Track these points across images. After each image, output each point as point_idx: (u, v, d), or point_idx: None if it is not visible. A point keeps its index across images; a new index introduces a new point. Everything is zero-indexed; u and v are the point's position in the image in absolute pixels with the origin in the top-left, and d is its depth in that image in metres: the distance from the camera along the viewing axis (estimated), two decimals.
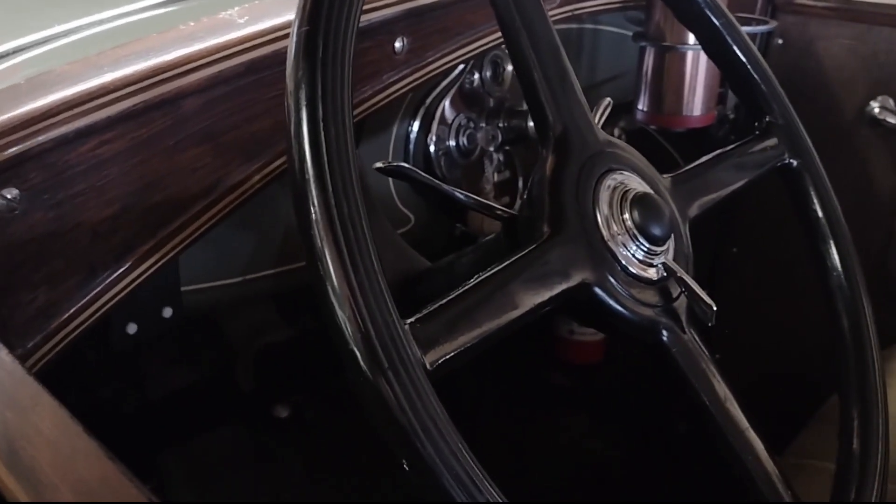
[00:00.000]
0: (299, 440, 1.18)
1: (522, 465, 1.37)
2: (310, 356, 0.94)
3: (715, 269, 1.38)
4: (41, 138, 0.51)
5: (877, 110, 1.17)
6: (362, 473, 1.16)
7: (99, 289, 0.56)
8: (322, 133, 0.42)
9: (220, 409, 1.00)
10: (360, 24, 0.66)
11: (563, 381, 1.51)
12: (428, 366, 0.42)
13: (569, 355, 1.47)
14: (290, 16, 0.59)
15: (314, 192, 0.41)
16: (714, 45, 0.71)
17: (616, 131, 1.16)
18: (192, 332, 0.82)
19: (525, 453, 1.39)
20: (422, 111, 0.89)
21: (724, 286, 1.38)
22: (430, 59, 0.74)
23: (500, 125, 0.96)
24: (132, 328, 0.65)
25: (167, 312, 0.68)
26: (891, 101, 1.16)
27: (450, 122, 0.91)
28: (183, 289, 0.71)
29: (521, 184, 1.02)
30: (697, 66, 1.00)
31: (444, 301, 0.45)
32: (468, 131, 0.93)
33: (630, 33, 1.08)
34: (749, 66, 0.70)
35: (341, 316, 0.40)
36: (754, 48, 0.71)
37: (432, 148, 0.90)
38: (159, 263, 0.59)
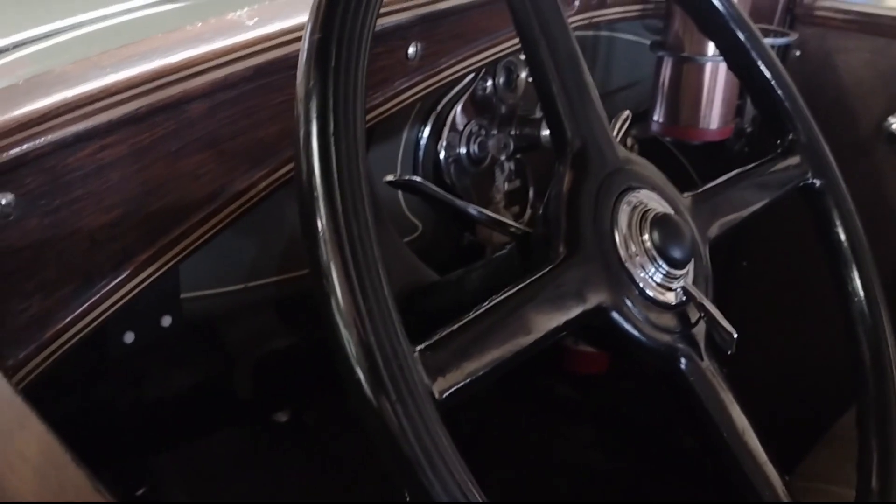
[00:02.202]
0: (299, 445, 1.16)
1: (524, 475, 1.35)
2: (312, 365, 0.92)
3: (724, 285, 1.36)
4: (39, 141, 0.48)
5: (895, 126, 1.15)
6: (362, 479, 1.14)
7: (95, 298, 0.54)
8: (332, 147, 0.40)
9: (219, 416, 0.98)
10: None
11: (567, 391, 1.49)
12: (437, 396, 0.40)
13: (573, 366, 1.45)
14: (302, 18, 0.58)
15: (322, 210, 0.39)
16: (737, 59, 0.69)
17: (629, 141, 1.14)
18: (191, 340, 0.80)
19: (527, 464, 1.37)
20: (432, 117, 0.87)
21: (732, 300, 1.36)
22: (443, 66, 0.72)
23: (512, 133, 0.94)
24: (129, 337, 0.63)
25: (166, 321, 0.66)
26: None
27: (461, 129, 0.89)
28: (183, 296, 0.69)
29: (531, 193, 1.00)
30: (716, 77, 0.98)
31: (455, 327, 0.43)
32: (479, 139, 0.90)
33: (647, 42, 1.06)
34: (773, 82, 0.68)
35: (347, 339, 0.38)
36: (778, 63, 0.69)
37: (442, 155, 0.88)
38: (159, 272, 0.57)
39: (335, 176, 0.39)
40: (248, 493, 1.12)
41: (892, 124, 1.15)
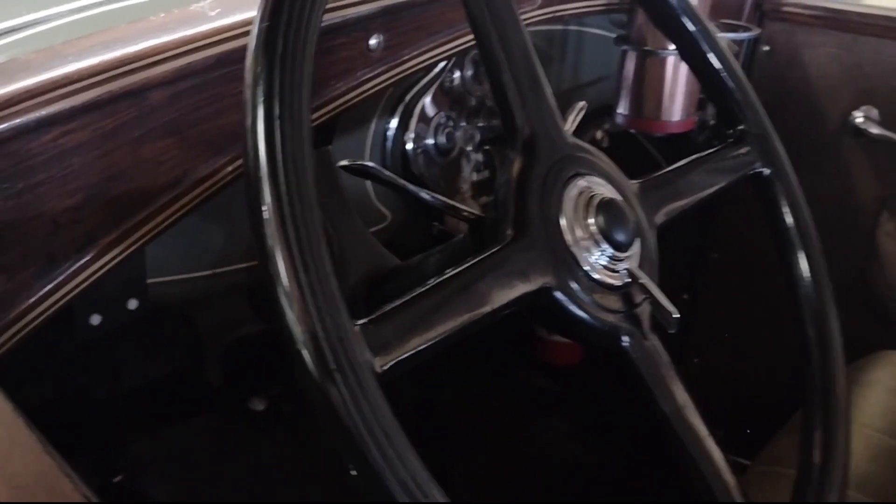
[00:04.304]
0: (276, 433, 1.18)
1: (498, 466, 1.36)
2: (283, 351, 0.93)
3: (695, 275, 1.38)
4: (1, 127, 0.50)
5: (860, 120, 1.17)
6: (339, 469, 1.15)
7: (59, 279, 0.56)
8: (277, 131, 0.42)
9: (194, 402, 0.99)
10: (334, 20, 0.66)
11: (542, 382, 1.51)
12: (377, 368, 0.42)
13: (547, 356, 1.47)
14: None
15: (266, 191, 0.41)
16: (690, 52, 0.71)
17: (599, 133, 1.16)
18: (160, 325, 0.81)
19: (503, 454, 1.39)
20: (400, 108, 0.89)
21: (703, 292, 1.38)
22: (406, 57, 0.73)
23: (480, 125, 0.96)
24: (96, 319, 0.65)
25: (132, 304, 0.67)
26: (875, 112, 1.16)
27: (429, 120, 0.91)
28: (151, 281, 0.71)
29: None
30: (678, 71, 1.00)
31: (399, 303, 0.45)
32: (447, 130, 0.92)
33: (614, 36, 1.08)
34: (724, 74, 0.70)
35: (290, 316, 0.40)
36: (730, 55, 0.71)
37: (410, 146, 0.89)
38: (123, 255, 0.59)
39: (279, 158, 0.41)
40: (227, 482, 1.13)
41: (857, 118, 1.17)
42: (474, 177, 0.97)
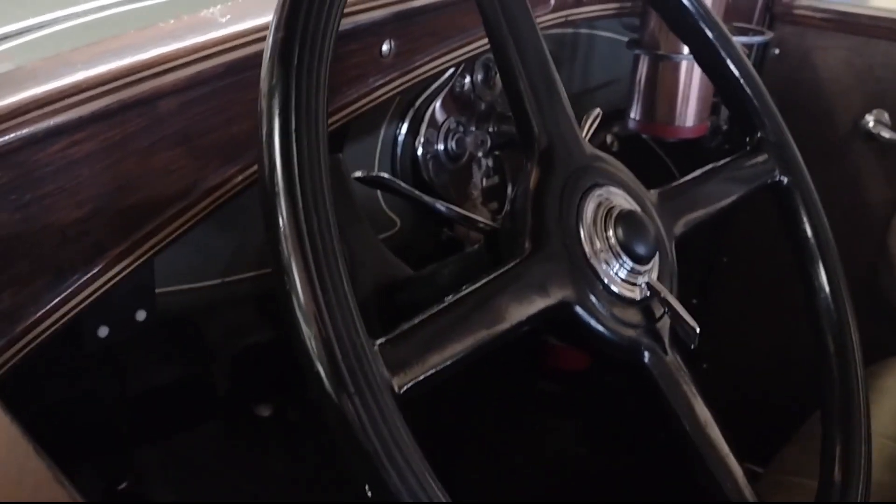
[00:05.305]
0: (281, 440, 1.17)
1: (508, 470, 1.36)
2: (290, 359, 0.92)
3: (705, 279, 1.37)
4: (9, 137, 0.49)
5: (871, 124, 1.16)
6: (343, 475, 1.14)
7: (68, 292, 0.54)
8: (294, 144, 0.41)
9: (200, 409, 0.98)
10: (346, 26, 0.65)
11: (550, 387, 1.50)
12: (396, 389, 0.41)
13: (556, 361, 1.46)
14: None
15: (283, 205, 0.40)
16: (707, 58, 0.70)
17: (609, 137, 1.15)
18: (169, 335, 0.80)
19: (511, 459, 1.38)
20: (410, 114, 0.88)
21: (713, 296, 1.37)
22: (418, 63, 0.72)
23: (490, 130, 0.95)
24: (104, 331, 0.64)
25: (141, 315, 0.66)
26: (886, 116, 1.15)
27: (439, 125, 0.90)
28: (159, 291, 0.70)
29: (510, 190, 1.01)
30: (691, 76, 0.99)
31: (417, 321, 0.44)
32: (457, 135, 0.91)
33: (626, 39, 1.07)
34: (742, 81, 0.69)
35: (307, 334, 0.39)
36: (748, 62, 0.70)
37: (420, 151, 0.88)
38: (132, 266, 0.57)
39: (296, 172, 0.40)
40: (232, 488, 1.12)
41: (868, 122, 1.16)
42: (484, 182, 0.96)
